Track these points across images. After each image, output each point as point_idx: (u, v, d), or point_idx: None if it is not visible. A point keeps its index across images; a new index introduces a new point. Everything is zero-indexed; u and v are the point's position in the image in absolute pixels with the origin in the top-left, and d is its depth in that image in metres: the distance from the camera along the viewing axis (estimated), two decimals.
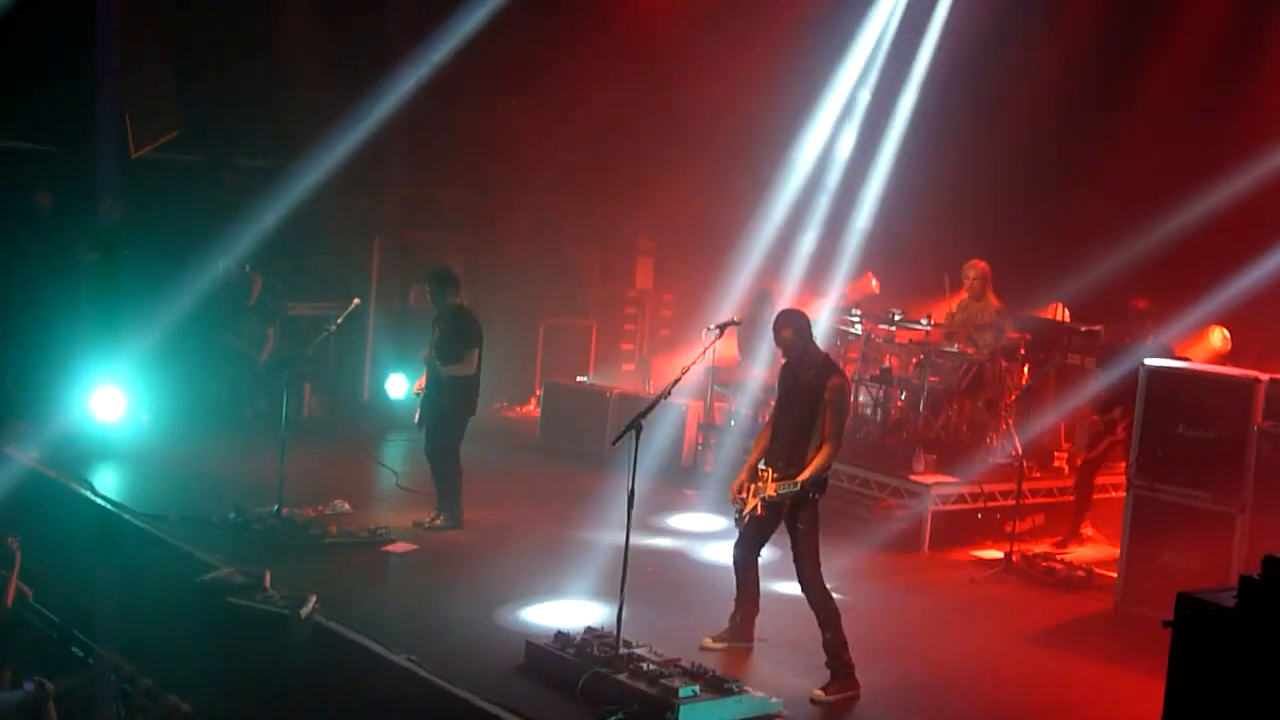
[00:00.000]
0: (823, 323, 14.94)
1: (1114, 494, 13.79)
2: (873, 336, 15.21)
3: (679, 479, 15.15)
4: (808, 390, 9.89)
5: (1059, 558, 12.93)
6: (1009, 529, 13.07)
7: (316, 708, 9.63)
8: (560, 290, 19.65)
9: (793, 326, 10.01)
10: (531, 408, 18.35)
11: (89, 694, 9.26)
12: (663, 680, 8.94)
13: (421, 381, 12.98)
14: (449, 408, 12.78)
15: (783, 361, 10.27)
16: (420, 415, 12.93)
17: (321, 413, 16.91)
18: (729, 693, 8.97)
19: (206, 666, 9.90)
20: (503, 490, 14.48)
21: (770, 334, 10.26)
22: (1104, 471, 13.90)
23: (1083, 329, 13.53)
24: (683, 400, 15.36)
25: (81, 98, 15.80)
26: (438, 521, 12.78)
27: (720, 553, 11.81)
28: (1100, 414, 13.53)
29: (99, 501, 12.81)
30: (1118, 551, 12.25)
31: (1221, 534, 11.29)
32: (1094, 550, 13.47)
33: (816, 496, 9.76)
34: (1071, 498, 14.04)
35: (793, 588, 9.94)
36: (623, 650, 9.31)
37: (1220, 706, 6.59)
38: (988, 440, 14.35)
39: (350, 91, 16.92)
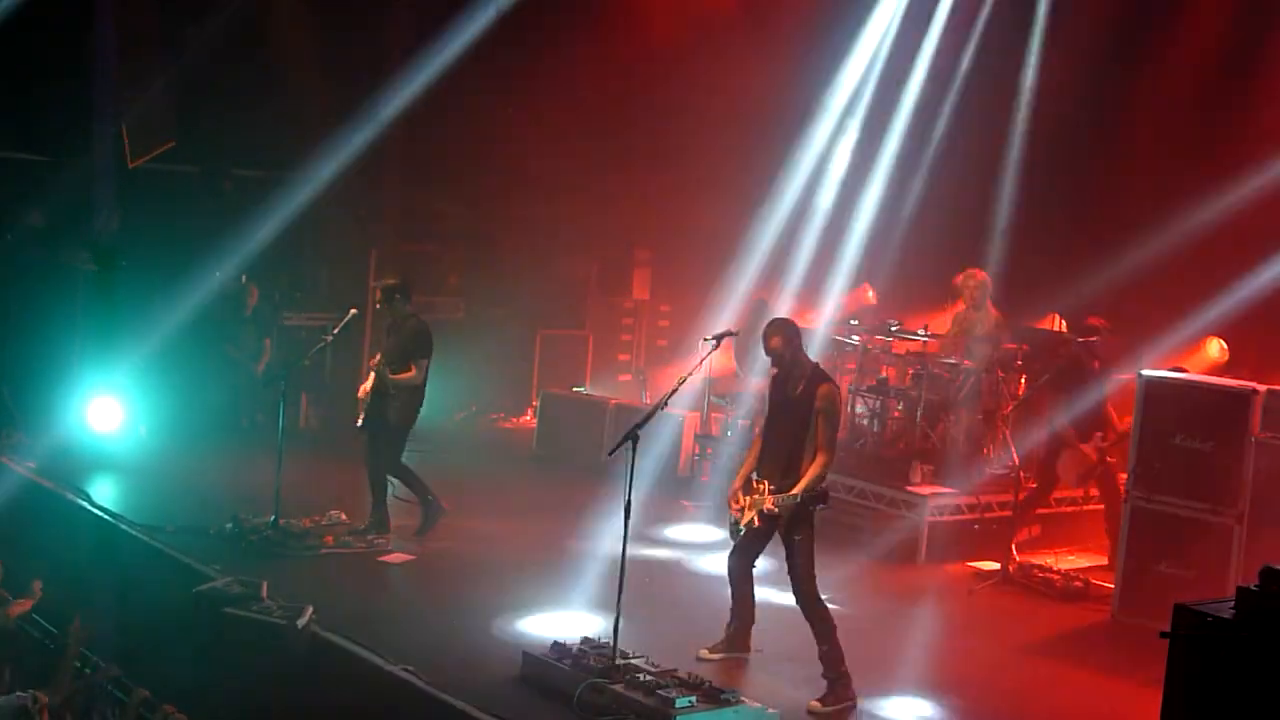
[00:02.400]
0: (819, 334, 14.96)
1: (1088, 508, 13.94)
2: (870, 347, 15.22)
3: (676, 490, 15.15)
4: (799, 400, 9.87)
5: (1055, 568, 12.92)
6: (1006, 540, 13.07)
7: (313, 718, 9.63)
8: (557, 301, 19.66)
9: (782, 335, 9.98)
10: (528, 418, 18.36)
11: (86, 704, 9.26)
12: (659, 691, 8.92)
13: (366, 386, 12.83)
14: (392, 417, 12.68)
15: (773, 371, 10.25)
16: (364, 420, 12.80)
17: (318, 423, 16.89)
18: (726, 703, 8.96)
19: (203, 677, 9.91)
20: (499, 501, 14.48)
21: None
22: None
23: (1079, 339, 13.52)
24: (680, 411, 15.36)
25: (79, 108, 15.83)
26: (378, 541, 12.56)
27: (717, 563, 11.79)
28: (1084, 443, 13.41)
29: (96, 512, 12.80)
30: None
31: (1219, 545, 11.32)
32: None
33: (819, 508, 9.74)
34: (1068, 509, 14.04)
35: (789, 598, 9.92)
36: (619, 661, 9.29)
37: (1218, 718, 6.58)
38: (985, 451, 14.35)
39: (347, 103, 16.95)
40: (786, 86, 17.47)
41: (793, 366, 9.99)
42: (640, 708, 8.85)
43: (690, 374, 10.27)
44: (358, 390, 12.98)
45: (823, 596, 9.87)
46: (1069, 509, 14.10)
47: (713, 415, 16.09)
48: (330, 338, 13.46)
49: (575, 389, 17.97)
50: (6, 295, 15.56)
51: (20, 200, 16.18)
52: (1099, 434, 13.14)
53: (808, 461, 9.75)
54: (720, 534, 12.23)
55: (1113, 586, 12.15)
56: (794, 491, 9.64)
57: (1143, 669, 9.34)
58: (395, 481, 13.43)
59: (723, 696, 9.00)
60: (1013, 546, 13.03)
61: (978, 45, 16.66)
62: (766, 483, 9.81)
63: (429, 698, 9.18)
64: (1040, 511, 13.90)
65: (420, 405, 12.79)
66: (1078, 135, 16.47)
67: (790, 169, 17.72)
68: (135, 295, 15.57)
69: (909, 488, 13.74)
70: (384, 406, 12.64)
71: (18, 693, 8.73)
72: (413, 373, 12.59)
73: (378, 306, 12.88)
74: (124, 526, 12.42)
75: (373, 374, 12.71)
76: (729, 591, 10.33)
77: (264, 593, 10.53)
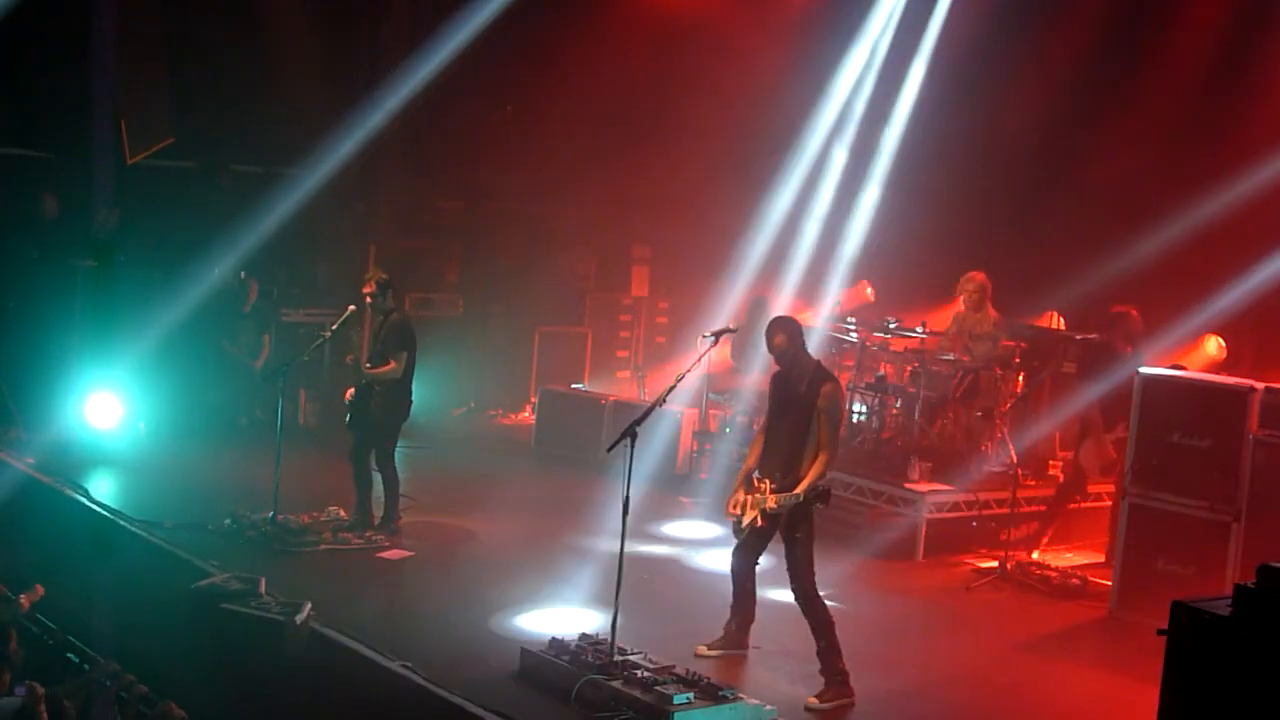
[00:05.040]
0: (818, 331, 14.97)
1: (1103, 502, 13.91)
2: (868, 345, 15.22)
3: (674, 486, 15.15)
4: (801, 398, 9.88)
5: (1052, 565, 12.93)
6: (1004, 537, 13.08)
7: (311, 714, 9.64)
8: (555, 298, 19.65)
9: (785, 333, 10.00)
10: (527, 415, 18.36)
11: (85, 701, 9.25)
12: (657, 687, 8.93)
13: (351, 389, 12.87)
14: (375, 414, 12.67)
15: (775, 369, 10.26)
16: (350, 419, 12.80)
17: (316, 420, 16.88)
18: (724, 700, 8.96)
19: (201, 673, 9.91)
20: (498, 497, 14.46)
21: (765, 341, 10.24)
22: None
23: (1078, 337, 13.52)
24: (678, 408, 15.35)
25: (77, 104, 15.83)
26: (377, 538, 12.55)
27: (715, 560, 11.81)
28: (1109, 432, 13.33)
29: (94, 508, 12.79)
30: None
31: (1216, 542, 11.33)
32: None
33: (821, 507, 9.76)
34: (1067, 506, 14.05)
35: (787, 595, 9.93)
36: (617, 657, 9.30)
37: (1215, 715, 6.59)
38: (983, 448, 14.34)
39: (346, 99, 16.96)
40: (786, 83, 17.48)
41: (795, 364, 10.00)
42: (638, 704, 8.86)
43: (688, 371, 10.26)
44: (345, 392, 12.99)
45: (821, 593, 9.88)
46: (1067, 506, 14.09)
47: (711, 412, 16.09)
48: (329, 333, 13.44)
49: (574, 386, 17.97)
50: (5, 291, 15.54)
51: (19, 196, 16.17)
52: (1123, 424, 12.99)
53: (809, 459, 9.77)
54: (718, 530, 12.23)
55: (1110, 584, 12.17)
56: (797, 490, 9.65)
57: (1140, 666, 9.35)
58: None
59: (720, 693, 9.00)
60: (1042, 541, 13.05)
61: (978, 40, 16.65)
62: (768, 481, 9.83)
63: (427, 693, 9.18)
64: (1038, 509, 13.88)
65: (407, 400, 12.76)
66: (1076, 133, 16.49)
67: (790, 166, 17.74)
68: (134, 291, 15.56)
69: (907, 485, 13.73)
70: (367, 404, 12.64)
71: (17, 687, 8.72)
72: (391, 366, 12.57)
73: (367, 300, 12.79)
74: (122, 522, 12.41)
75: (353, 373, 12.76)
76: (728, 588, 10.34)
77: (262, 588, 10.54)
